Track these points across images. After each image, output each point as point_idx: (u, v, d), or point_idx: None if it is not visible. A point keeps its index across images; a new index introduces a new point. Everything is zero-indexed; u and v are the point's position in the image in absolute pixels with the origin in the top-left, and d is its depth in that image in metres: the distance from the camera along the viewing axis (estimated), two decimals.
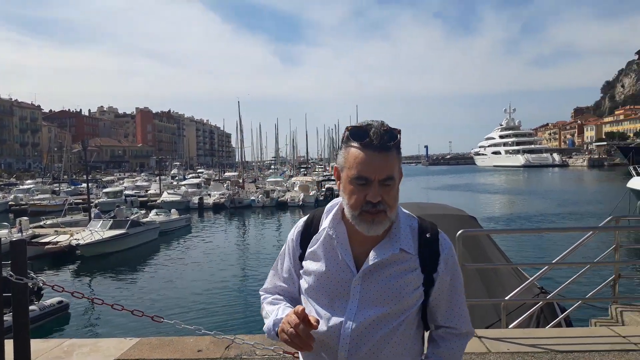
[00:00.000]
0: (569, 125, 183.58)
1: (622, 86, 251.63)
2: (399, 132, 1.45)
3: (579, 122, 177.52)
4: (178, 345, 3.97)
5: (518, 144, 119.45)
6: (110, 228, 21.62)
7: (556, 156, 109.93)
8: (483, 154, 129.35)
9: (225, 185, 46.12)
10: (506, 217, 27.99)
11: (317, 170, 68.96)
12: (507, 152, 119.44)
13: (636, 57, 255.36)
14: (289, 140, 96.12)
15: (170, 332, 6.80)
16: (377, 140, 1.38)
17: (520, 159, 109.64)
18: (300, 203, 36.95)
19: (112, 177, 71.67)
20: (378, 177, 1.38)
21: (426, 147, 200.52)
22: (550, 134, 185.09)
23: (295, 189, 42.15)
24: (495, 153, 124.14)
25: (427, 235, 1.51)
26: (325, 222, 1.55)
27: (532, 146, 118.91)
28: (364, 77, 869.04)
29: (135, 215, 25.70)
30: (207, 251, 21.16)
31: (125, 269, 18.44)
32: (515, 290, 4.83)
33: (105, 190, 43.71)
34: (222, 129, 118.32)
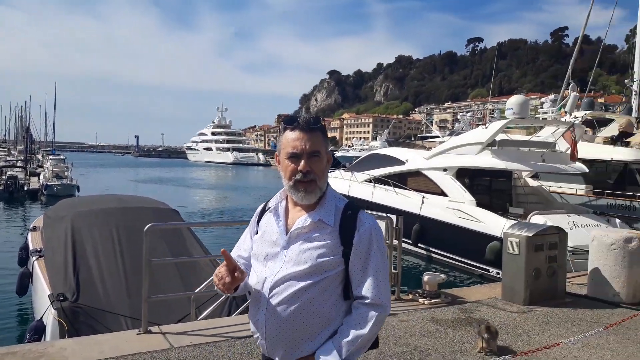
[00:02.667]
0: (273, 129, 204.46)
1: (316, 100, 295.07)
2: (324, 119, 1.82)
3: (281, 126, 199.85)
4: None
5: (228, 141, 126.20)
6: None
7: (261, 156, 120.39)
8: (195, 149, 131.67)
9: None
10: (214, 210, 28.99)
11: None
12: (218, 149, 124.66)
13: (327, 76, 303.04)
14: None
15: None
16: (304, 123, 1.74)
17: (230, 157, 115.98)
18: None
19: None
20: (306, 150, 1.71)
21: (137, 137, 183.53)
22: (257, 135, 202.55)
23: None
24: (207, 149, 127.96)
25: (348, 213, 1.76)
26: (272, 200, 1.87)
27: (241, 145, 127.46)
28: (67, 53, 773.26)
29: None
30: None
31: None
32: (205, 283, 4.93)
33: None
34: None
